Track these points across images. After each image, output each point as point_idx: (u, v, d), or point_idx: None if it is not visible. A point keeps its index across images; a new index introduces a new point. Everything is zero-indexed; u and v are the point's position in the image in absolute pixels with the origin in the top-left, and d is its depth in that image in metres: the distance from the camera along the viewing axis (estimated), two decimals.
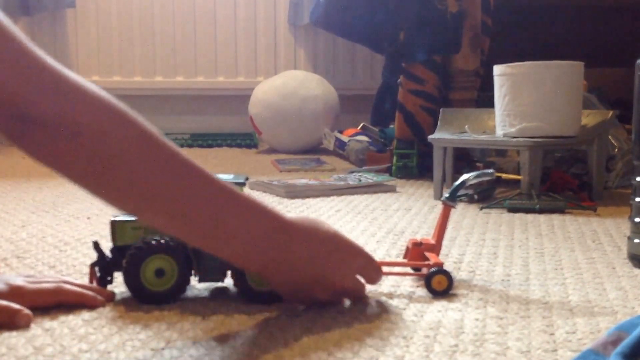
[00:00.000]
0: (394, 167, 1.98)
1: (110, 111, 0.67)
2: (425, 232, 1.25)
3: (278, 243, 0.76)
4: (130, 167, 0.67)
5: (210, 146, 2.79)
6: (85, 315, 0.78)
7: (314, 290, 0.80)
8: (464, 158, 1.86)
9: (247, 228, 0.74)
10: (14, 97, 0.62)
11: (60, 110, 0.64)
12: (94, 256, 0.87)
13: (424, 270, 0.90)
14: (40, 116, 0.63)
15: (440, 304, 0.83)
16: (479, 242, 1.17)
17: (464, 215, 1.42)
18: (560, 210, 1.44)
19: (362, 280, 0.84)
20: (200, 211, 0.71)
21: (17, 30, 0.64)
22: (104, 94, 0.67)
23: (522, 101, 1.51)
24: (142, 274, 0.82)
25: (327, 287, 0.80)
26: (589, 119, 1.61)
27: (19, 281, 0.81)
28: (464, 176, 0.97)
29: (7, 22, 0.63)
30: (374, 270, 0.84)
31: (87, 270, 0.91)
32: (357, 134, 2.42)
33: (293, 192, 1.65)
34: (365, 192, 1.70)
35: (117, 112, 0.67)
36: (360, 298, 0.84)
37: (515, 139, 1.52)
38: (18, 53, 0.63)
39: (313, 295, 0.80)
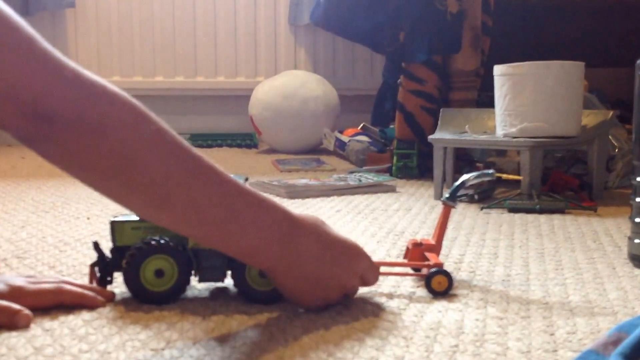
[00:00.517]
0: (394, 167, 1.98)
1: (131, 108, 0.67)
2: (425, 233, 1.25)
3: (288, 239, 0.76)
4: (152, 164, 0.67)
5: (210, 146, 2.79)
6: (85, 315, 0.78)
7: (326, 291, 0.79)
8: (464, 158, 1.86)
9: (258, 225, 0.74)
10: (36, 95, 0.62)
11: (83, 108, 0.64)
12: (94, 256, 0.87)
13: (424, 271, 0.90)
14: (63, 114, 0.63)
15: (440, 304, 0.83)
16: (479, 243, 1.17)
17: (464, 215, 1.42)
18: (561, 211, 1.44)
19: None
20: (214, 209, 0.71)
21: (33, 31, 0.64)
22: (121, 91, 0.68)
23: (522, 101, 1.51)
24: (142, 274, 0.82)
25: (337, 286, 0.80)
26: (590, 119, 1.61)
27: (19, 281, 0.80)
28: (464, 176, 0.97)
29: (24, 24, 0.63)
30: (374, 273, 0.85)
31: (87, 270, 0.91)
32: (357, 134, 2.42)
33: (293, 192, 1.65)
34: (366, 192, 1.70)
35: (136, 109, 0.67)
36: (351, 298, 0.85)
37: (515, 139, 1.52)
38: (37, 52, 0.63)
39: (326, 296, 0.79)
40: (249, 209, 0.73)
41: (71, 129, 0.63)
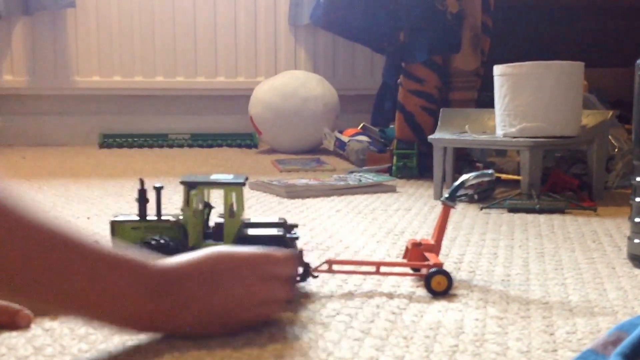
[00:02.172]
0: (394, 167, 1.98)
1: None
2: (425, 233, 1.25)
3: (159, 294, 0.67)
4: None
5: (210, 146, 2.80)
6: None
7: (249, 310, 0.72)
8: (464, 158, 1.86)
9: (114, 285, 0.65)
10: None
11: None
12: None
13: (424, 271, 0.90)
14: None
15: (440, 304, 0.83)
16: (479, 242, 1.17)
17: (464, 215, 1.42)
18: (561, 211, 1.45)
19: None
20: (61, 281, 0.63)
21: None
22: None
23: (522, 101, 1.51)
24: None
25: (265, 302, 0.73)
26: (589, 119, 1.62)
27: None
28: (464, 176, 0.97)
29: None
30: (288, 265, 0.75)
31: None
32: (357, 134, 2.42)
33: (293, 192, 1.65)
34: (366, 192, 1.70)
35: None
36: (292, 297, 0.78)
37: (515, 139, 1.52)
38: None
39: (254, 315, 0.73)
40: (108, 274, 0.65)
41: None
